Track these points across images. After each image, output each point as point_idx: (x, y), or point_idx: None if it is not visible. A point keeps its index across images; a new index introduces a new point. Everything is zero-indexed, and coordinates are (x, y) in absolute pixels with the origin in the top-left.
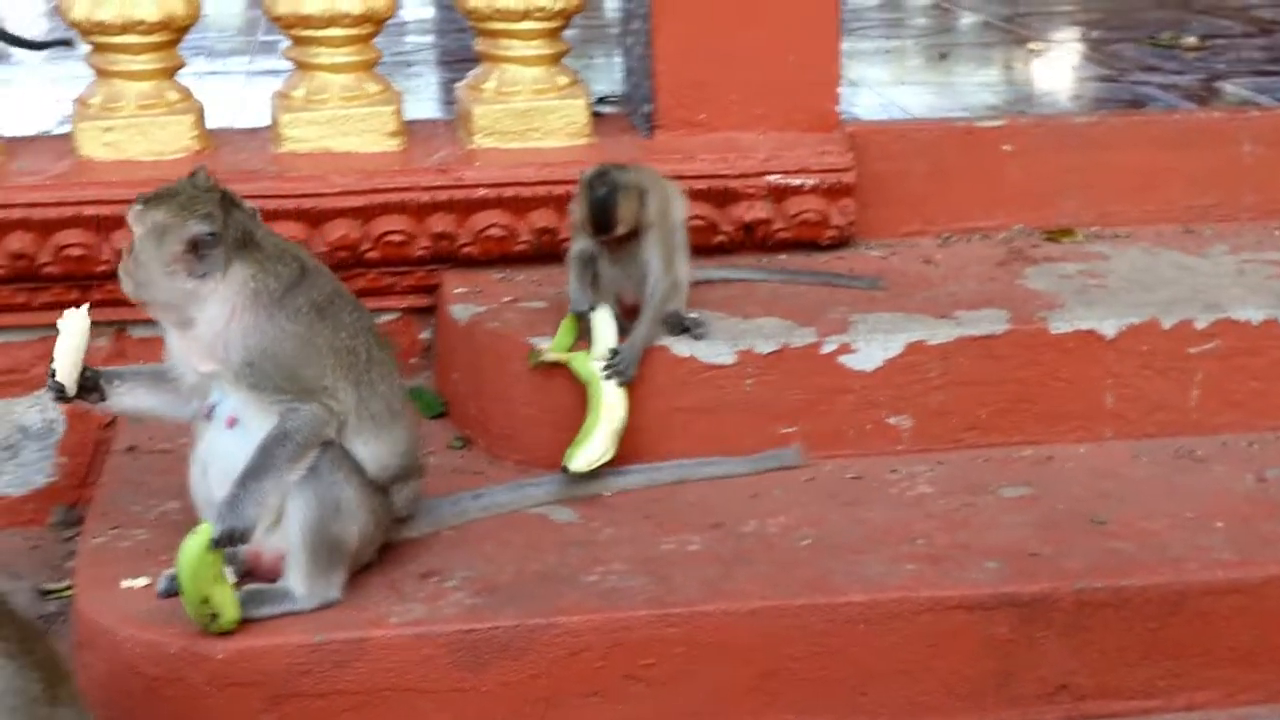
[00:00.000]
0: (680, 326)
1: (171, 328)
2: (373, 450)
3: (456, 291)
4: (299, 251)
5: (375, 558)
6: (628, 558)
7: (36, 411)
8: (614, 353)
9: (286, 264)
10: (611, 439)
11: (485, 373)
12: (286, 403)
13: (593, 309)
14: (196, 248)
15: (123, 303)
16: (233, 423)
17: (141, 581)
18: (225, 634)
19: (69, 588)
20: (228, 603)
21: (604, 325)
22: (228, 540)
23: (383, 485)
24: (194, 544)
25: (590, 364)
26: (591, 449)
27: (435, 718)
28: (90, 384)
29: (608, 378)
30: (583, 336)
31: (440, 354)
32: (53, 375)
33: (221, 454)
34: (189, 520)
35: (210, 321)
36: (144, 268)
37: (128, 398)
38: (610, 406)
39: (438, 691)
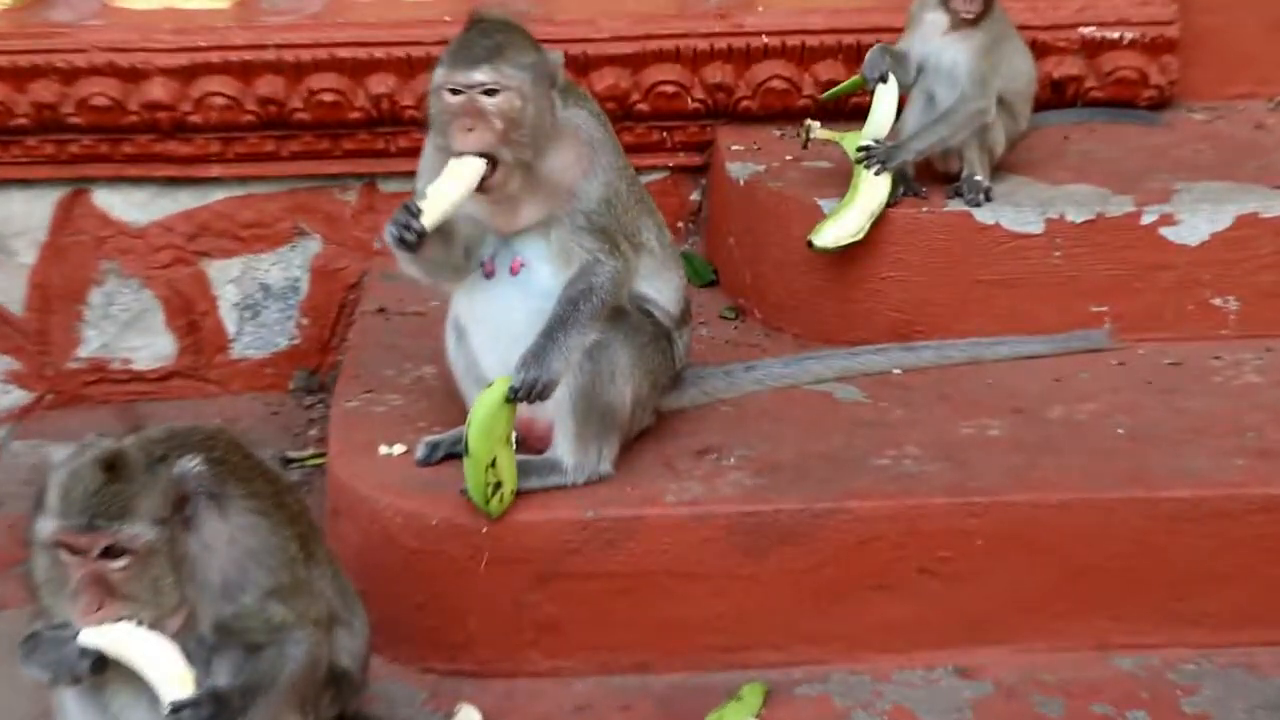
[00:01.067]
0: (967, 189)
1: (509, 179)
2: (660, 292)
3: (733, 149)
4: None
5: (651, 422)
6: (922, 441)
7: (280, 270)
8: (876, 143)
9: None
10: (864, 219)
11: (764, 237)
12: (594, 253)
13: (882, 79)
14: (554, 83)
15: (374, 154)
16: (518, 269)
17: (399, 449)
18: (498, 517)
19: (313, 456)
20: (511, 471)
21: (883, 103)
22: (528, 393)
23: (665, 331)
24: (490, 396)
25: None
26: (842, 225)
27: (710, 605)
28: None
29: (861, 162)
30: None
31: (712, 217)
32: (414, 214)
33: (500, 308)
34: (447, 387)
35: (563, 163)
36: (526, 105)
37: (428, 250)
38: (871, 185)
39: (714, 577)
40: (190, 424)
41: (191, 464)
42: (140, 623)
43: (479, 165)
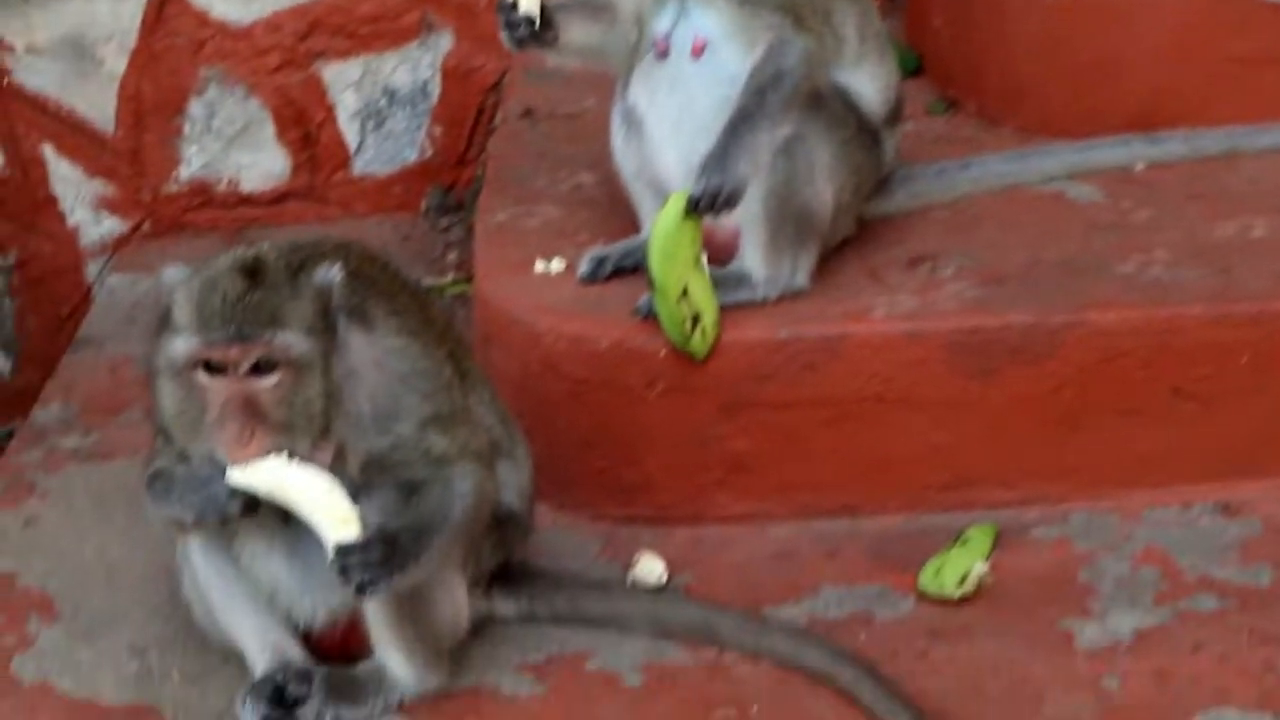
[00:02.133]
0: None
1: None
2: (866, 85)
3: None
4: None
5: (853, 230)
6: (1173, 244)
7: (407, 71)
8: None
9: None
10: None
11: (979, 16)
12: (779, 29)
13: None
14: None
15: None
16: (700, 49)
17: (558, 265)
18: (704, 357)
19: (453, 283)
20: (708, 298)
21: None
22: (710, 203)
23: (872, 129)
24: (669, 214)
25: None
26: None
27: (927, 436)
28: (545, 17)
29: None
30: None
31: None
32: (512, 6)
33: (678, 96)
34: (612, 193)
35: None
36: None
37: (575, 31)
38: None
39: (931, 404)
40: (316, 235)
41: (333, 272)
42: (293, 456)
43: None
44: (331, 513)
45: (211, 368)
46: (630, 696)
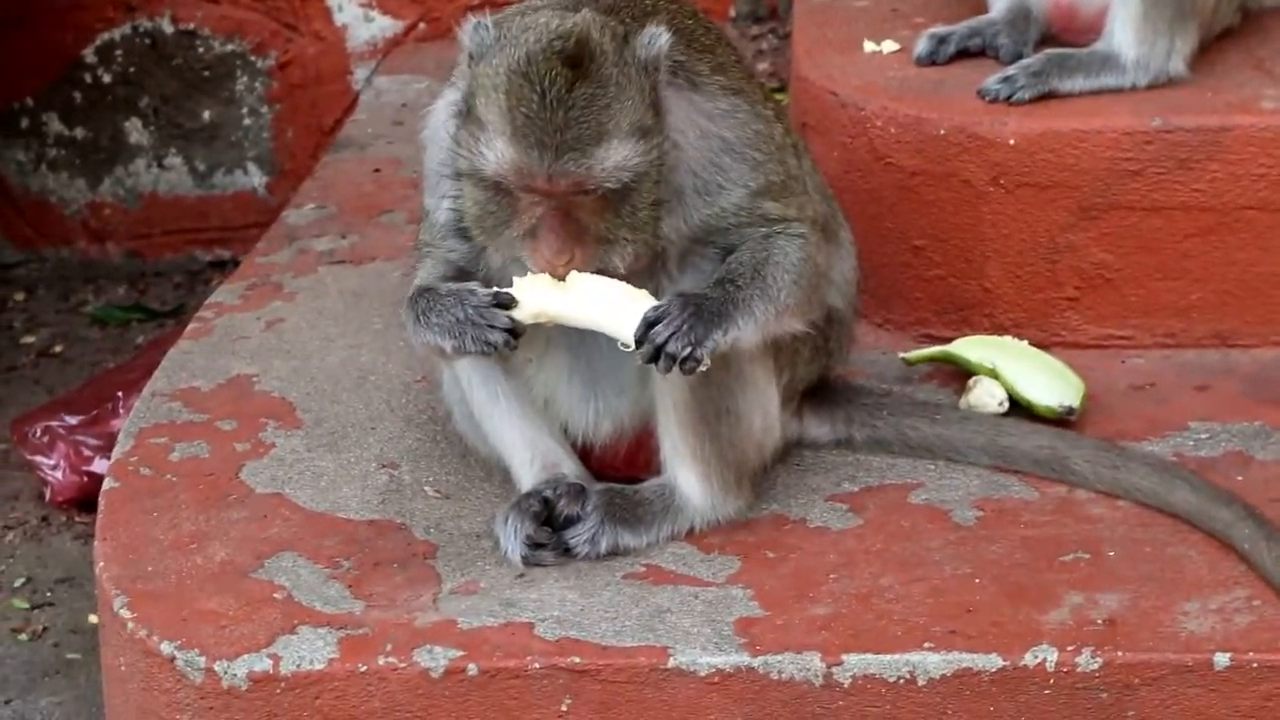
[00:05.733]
0: None
1: None
2: None
3: None
4: None
5: (1236, 21)
6: None
7: None
8: None
9: None
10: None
11: None
12: None
13: None
14: None
15: None
16: None
17: (891, 45)
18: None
19: None
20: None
21: None
22: None
23: None
24: None
25: None
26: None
27: None
28: None
29: None
30: None
31: None
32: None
33: None
34: None
35: None
36: None
37: None
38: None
39: None
40: None
41: (660, 36)
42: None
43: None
44: (624, 304)
45: (532, 190)
46: (962, 535)
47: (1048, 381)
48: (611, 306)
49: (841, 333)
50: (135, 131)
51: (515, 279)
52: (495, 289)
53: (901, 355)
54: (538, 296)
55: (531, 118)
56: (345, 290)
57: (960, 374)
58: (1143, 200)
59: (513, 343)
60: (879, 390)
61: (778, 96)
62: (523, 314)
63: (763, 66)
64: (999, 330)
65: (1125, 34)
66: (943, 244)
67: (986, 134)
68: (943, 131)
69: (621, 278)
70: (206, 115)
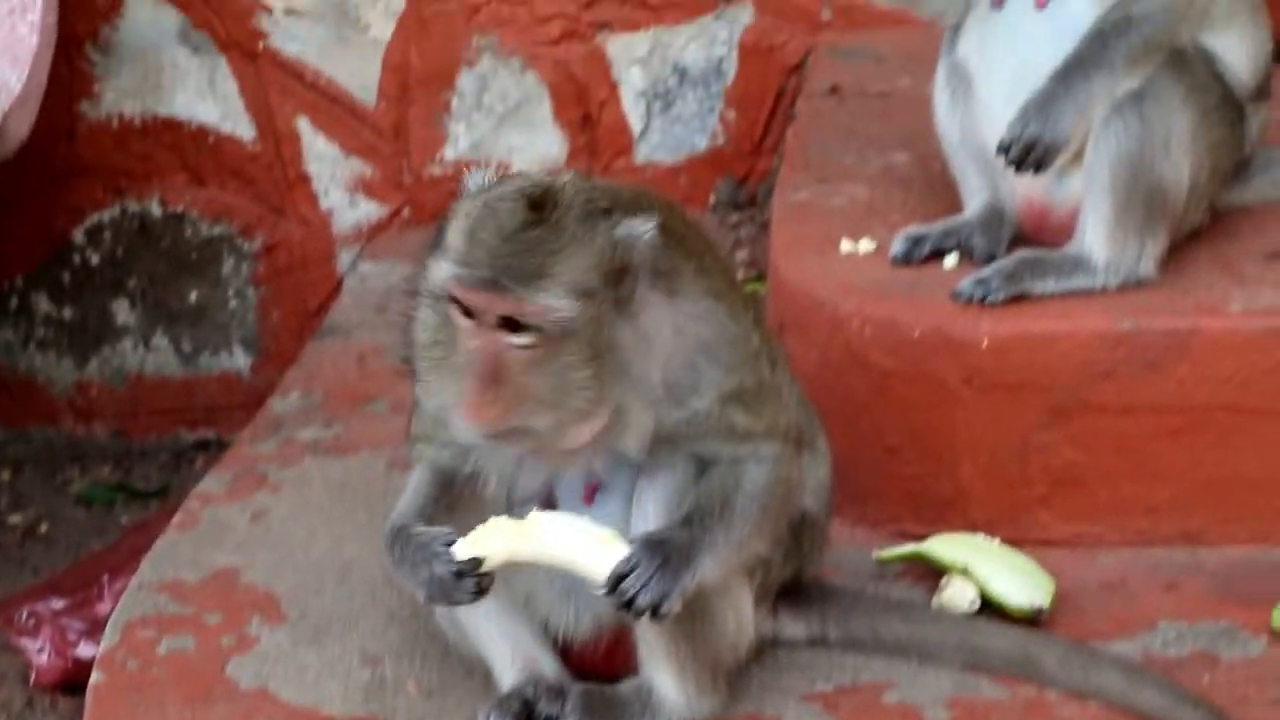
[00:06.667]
0: None
1: None
2: (1231, 50)
3: None
4: None
5: (1205, 220)
6: None
7: (700, 47)
8: None
9: None
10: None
11: None
12: None
13: None
14: None
15: None
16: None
17: (867, 245)
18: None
19: (745, 283)
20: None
21: None
22: (1024, 154)
23: (1236, 102)
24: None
25: None
26: None
27: None
28: None
29: None
30: None
31: None
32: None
33: (1018, 52)
34: (928, 175)
35: None
36: None
37: None
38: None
39: None
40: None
41: (645, 226)
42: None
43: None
44: (590, 546)
45: (461, 306)
46: None
47: (1019, 581)
48: (578, 549)
49: (815, 535)
50: (123, 312)
51: (479, 526)
52: (467, 557)
53: (875, 554)
54: (505, 543)
55: (484, 240)
56: (330, 481)
57: (933, 572)
58: (1113, 402)
59: (470, 596)
60: (853, 589)
61: (755, 286)
62: (491, 563)
63: (741, 256)
64: (972, 527)
65: (1097, 236)
66: (917, 443)
67: (960, 336)
68: (917, 334)
69: (568, 462)
70: (193, 297)
